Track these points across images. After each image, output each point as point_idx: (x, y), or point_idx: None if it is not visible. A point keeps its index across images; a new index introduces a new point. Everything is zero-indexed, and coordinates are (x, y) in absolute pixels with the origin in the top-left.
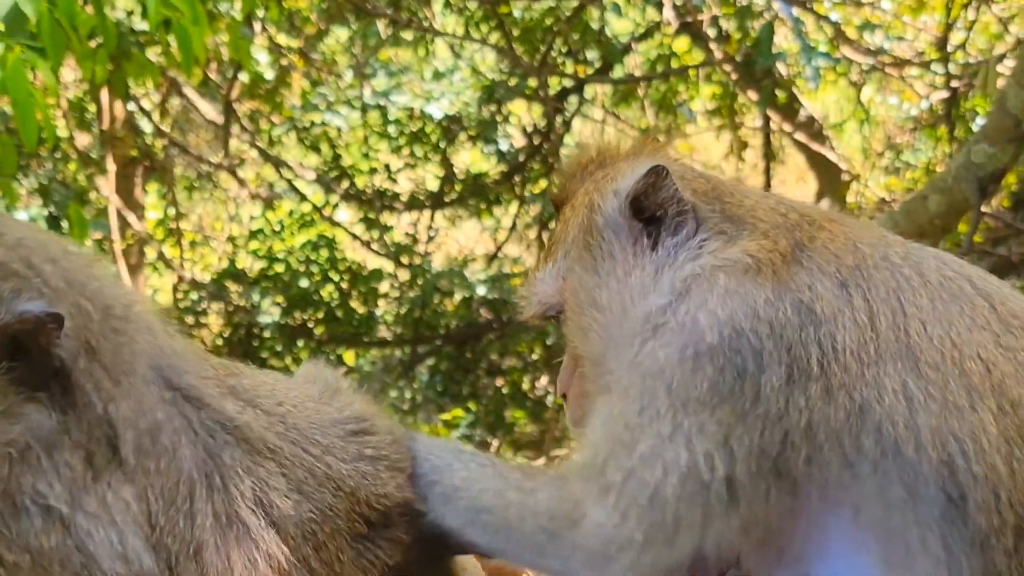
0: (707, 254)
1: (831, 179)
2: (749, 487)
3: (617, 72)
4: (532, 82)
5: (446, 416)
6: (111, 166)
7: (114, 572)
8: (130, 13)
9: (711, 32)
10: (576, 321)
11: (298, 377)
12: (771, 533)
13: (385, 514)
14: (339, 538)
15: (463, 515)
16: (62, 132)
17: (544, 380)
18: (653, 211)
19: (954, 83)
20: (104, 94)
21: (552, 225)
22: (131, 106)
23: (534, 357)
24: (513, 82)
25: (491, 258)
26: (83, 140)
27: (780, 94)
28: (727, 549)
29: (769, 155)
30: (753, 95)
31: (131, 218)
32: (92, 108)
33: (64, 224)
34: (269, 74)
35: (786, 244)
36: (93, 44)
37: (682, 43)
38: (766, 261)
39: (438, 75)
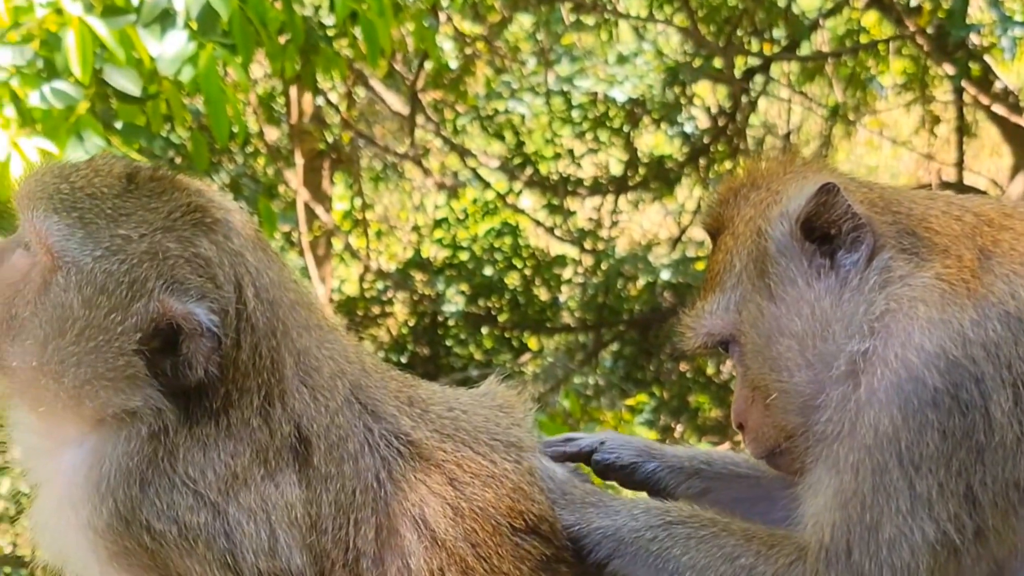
0: (897, 280)
1: None
2: (1001, 526)
3: (804, 49)
4: (717, 62)
5: (630, 402)
6: (299, 159)
7: (256, 564)
8: (317, 8)
9: (901, 5)
10: (764, 352)
11: (478, 391)
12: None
13: (539, 516)
14: (499, 534)
15: None
16: (251, 127)
17: (729, 364)
18: (825, 230)
19: None
20: (292, 89)
21: (710, 254)
22: (318, 99)
23: None
24: (697, 63)
25: (675, 242)
26: (272, 134)
27: (973, 66)
28: None
29: (962, 129)
30: (946, 68)
31: (318, 210)
32: (281, 102)
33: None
34: (453, 63)
35: (971, 256)
36: (282, 40)
37: (871, 17)
38: (958, 280)
39: (622, 59)
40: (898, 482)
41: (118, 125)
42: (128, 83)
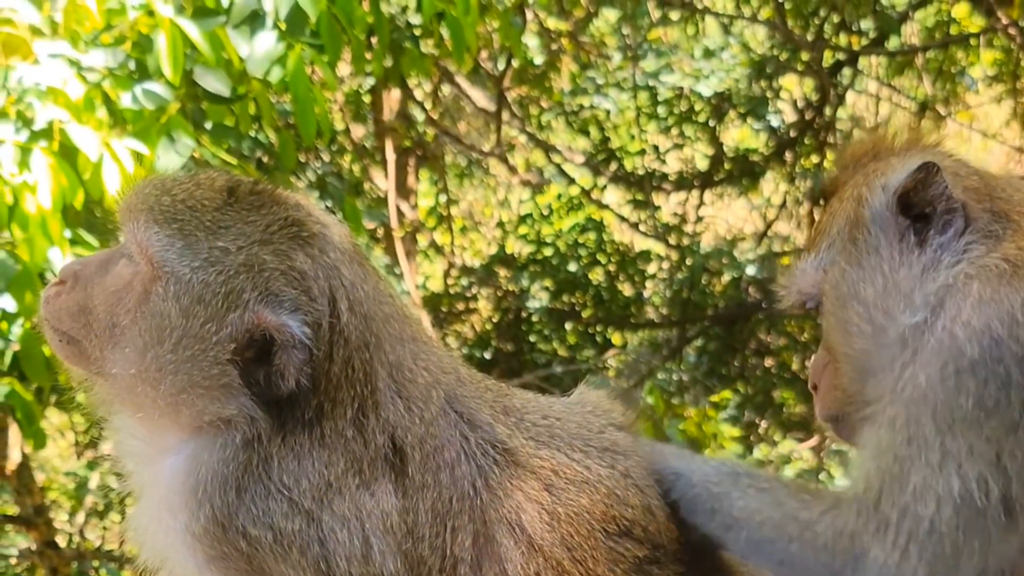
0: (965, 260)
1: None
2: None
3: (893, 42)
4: (804, 56)
5: (715, 398)
6: (390, 156)
7: (349, 570)
8: (404, 8)
9: None
10: (836, 315)
11: (571, 397)
12: None
13: (632, 520)
14: (594, 537)
15: (745, 547)
16: (337, 125)
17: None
18: (922, 208)
19: None
20: (379, 86)
21: (817, 214)
22: (404, 97)
23: (804, 337)
24: (784, 57)
25: (760, 237)
26: (358, 132)
27: None
28: (1010, 569)
29: None
30: None
31: (404, 206)
32: (367, 100)
33: (339, 216)
34: (539, 59)
35: None
36: (371, 40)
37: (962, 9)
38: (1022, 262)
39: (708, 53)
40: (930, 436)
41: (207, 126)
42: (218, 84)
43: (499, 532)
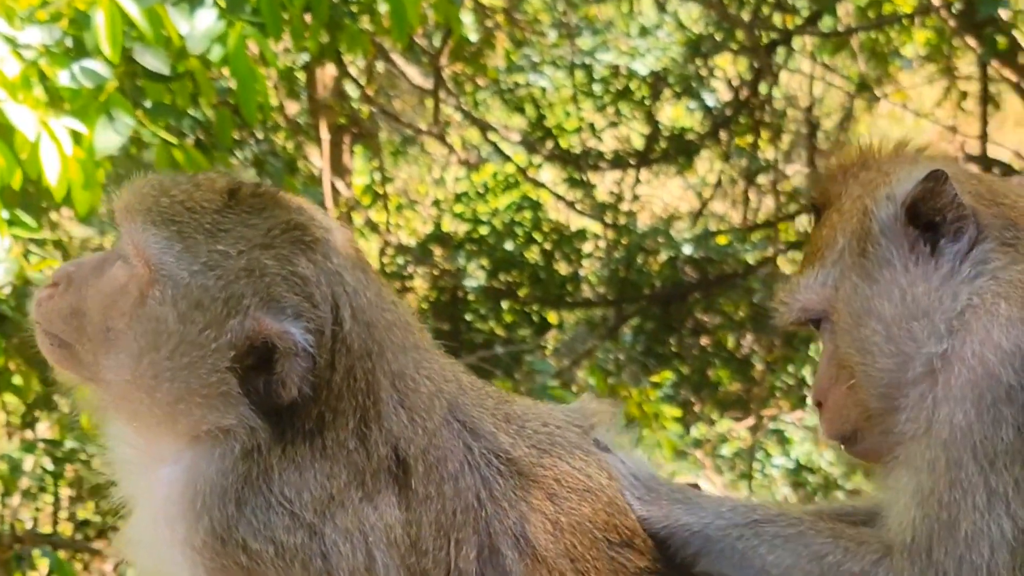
0: (988, 273)
1: None
2: None
3: (827, 22)
4: (738, 35)
5: (655, 378)
6: (325, 135)
7: None
8: None
9: None
10: (852, 332)
11: (572, 405)
12: None
13: (632, 530)
14: (596, 548)
15: None
16: (272, 101)
17: (749, 339)
18: (931, 217)
19: None
20: (314, 63)
21: (813, 229)
22: (339, 74)
23: (740, 315)
24: (719, 36)
25: (696, 216)
26: (292, 108)
27: (1000, 39)
28: None
29: (986, 101)
30: (971, 41)
31: (339, 185)
32: (301, 77)
33: None
34: (474, 36)
35: None
36: (307, 18)
37: None
38: None
39: (643, 31)
40: (974, 477)
41: (146, 104)
42: (157, 62)
43: (504, 544)
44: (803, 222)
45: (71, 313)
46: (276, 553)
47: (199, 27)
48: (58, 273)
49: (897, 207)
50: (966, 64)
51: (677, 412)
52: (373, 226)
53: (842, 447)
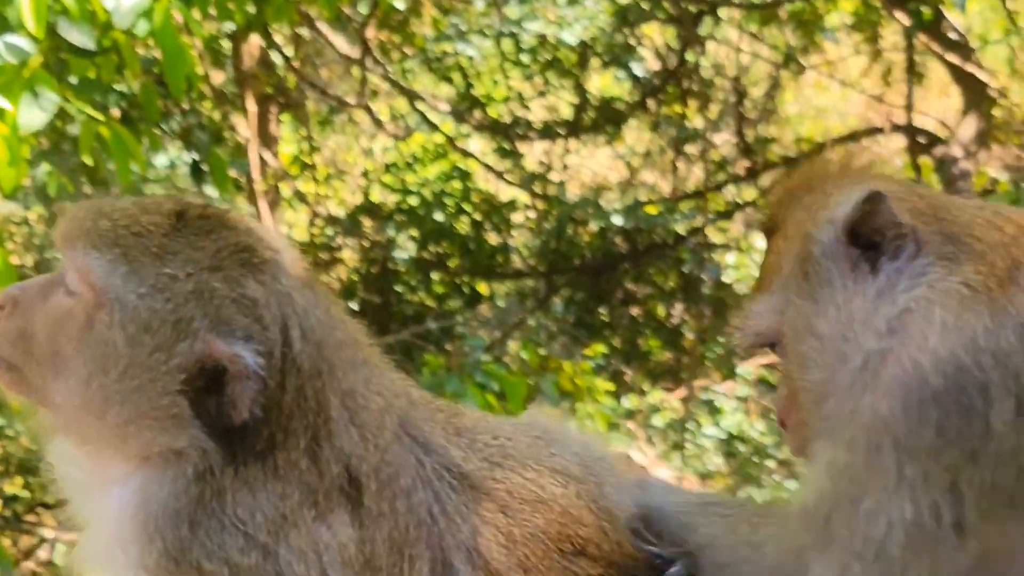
0: (924, 285)
1: (976, 94)
2: (981, 526)
3: None
4: (666, 4)
5: (587, 351)
6: (251, 106)
7: None
8: None
9: None
10: (795, 350)
11: (521, 419)
12: (1013, 560)
13: (586, 539)
14: (549, 558)
15: (708, 571)
16: (197, 71)
17: (679, 308)
18: (871, 237)
19: None
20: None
21: (764, 254)
22: (265, 43)
23: (670, 285)
24: (646, 5)
25: (625, 185)
26: (217, 78)
27: (925, 10)
28: None
29: (912, 71)
30: (897, 13)
31: (266, 155)
32: (226, 46)
33: (205, 167)
34: (400, 4)
35: (1003, 265)
36: None
37: None
38: (982, 287)
39: (571, 0)
40: (889, 462)
41: (72, 80)
42: (83, 37)
43: (457, 559)
44: (732, 192)
45: (18, 337)
46: (230, 574)
47: (125, 2)
48: (3, 296)
49: (837, 229)
50: (891, 33)
51: (610, 386)
52: (301, 197)
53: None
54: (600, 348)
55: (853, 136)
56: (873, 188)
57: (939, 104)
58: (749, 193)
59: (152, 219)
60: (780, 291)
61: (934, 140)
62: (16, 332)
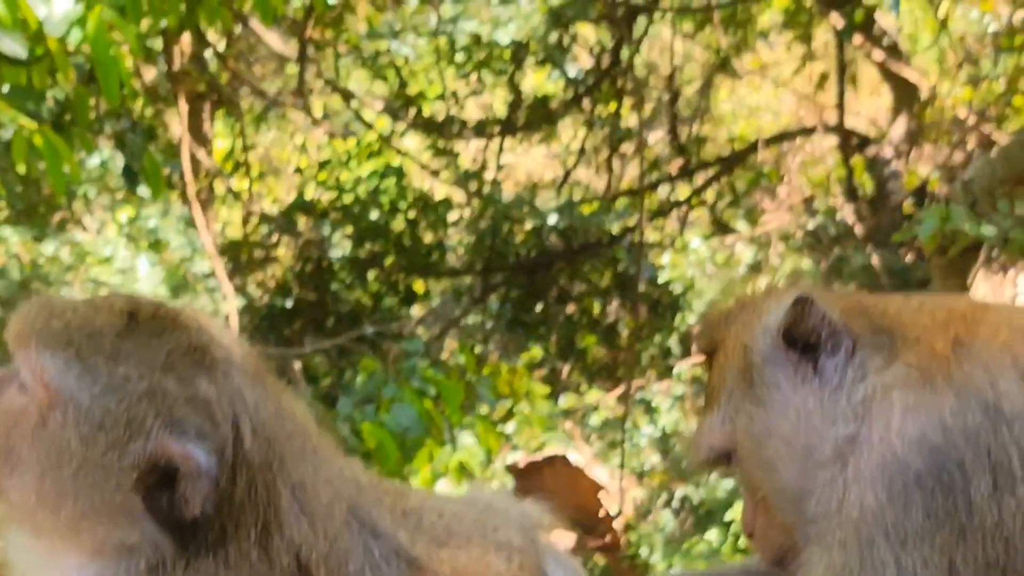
0: (872, 373)
1: (906, 93)
2: None
3: None
4: (599, 3)
5: (525, 355)
6: (183, 105)
7: None
8: None
9: None
10: (756, 458)
11: (464, 495)
12: None
13: None
14: None
15: None
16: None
17: (615, 305)
18: (806, 338)
19: None
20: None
21: (708, 375)
22: (197, 40)
23: (604, 284)
24: (580, 4)
25: (560, 184)
26: (149, 74)
27: (857, 12)
28: None
29: (843, 70)
30: (830, 14)
31: (200, 153)
32: (158, 44)
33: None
34: (333, 1)
35: (943, 345)
36: None
37: None
38: (930, 367)
39: (505, 0)
40: (885, 555)
41: (4, 89)
42: (15, 46)
43: None
44: (666, 190)
45: None
46: None
47: (57, 10)
48: None
49: (773, 335)
50: (823, 32)
51: (546, 389)
52: (235, 195)
53: (780, 568)
54: (537, 352)
55: (785, 136)
56: (800, 293)
57: (870, 104)
58: (683, 192)
59: (104, 319)
60: (727, 404)
61: (866, 140)
62: None
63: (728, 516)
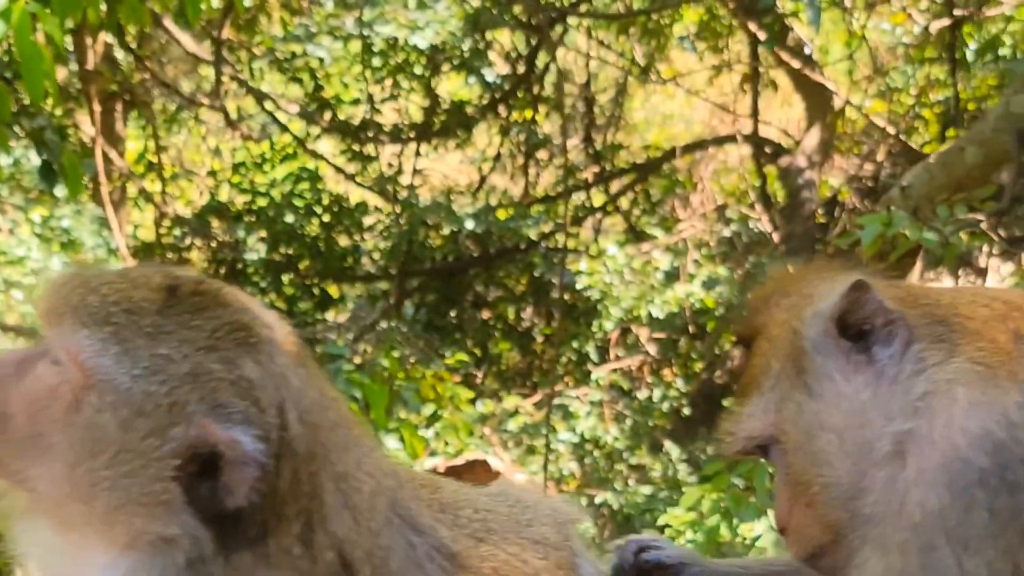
0: (932, 366)
1: (819, 104)
2: None
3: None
4: (516, 9)
5: (449, 360)
6: (96, 106)
7: None
8: None
9: None
10: (804, 450)
11: (492, 489)
12: None
13: None
14: None
15: None
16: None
17: (529, 311)
18: (859, 326)
19: (956, 11)
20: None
21: (746, 361)
22: (109, 39)
23: (520, 289)
24: (496, 10)
25: (476, 189)
26: (60, 73)
27: (771, 22)
28: None
29: (757, 80)
30: (745, 23)
31: (112, 154)
32: (69, 42)
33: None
34: (248, 2)
35: (1005, 338)
36: None
37: None
38: (995, 362)
39: (422, 4)
40: (948, 560)
41: None
42: None
43: None
44: (581, 197)
45: None
46: None
47: None
48: None
49: (826, 322)
50: (736, 42)
51: (470, 394)
52: (147, 196)
53: (811, 566)
54: (461, 356)
55: (701, 144)
56: (856, 278)
57: (782, 114)
58: (599, 199)
59: (143, 294)
60: (771, 391)
61: (779, 150)
62: None
63: (647, 520)
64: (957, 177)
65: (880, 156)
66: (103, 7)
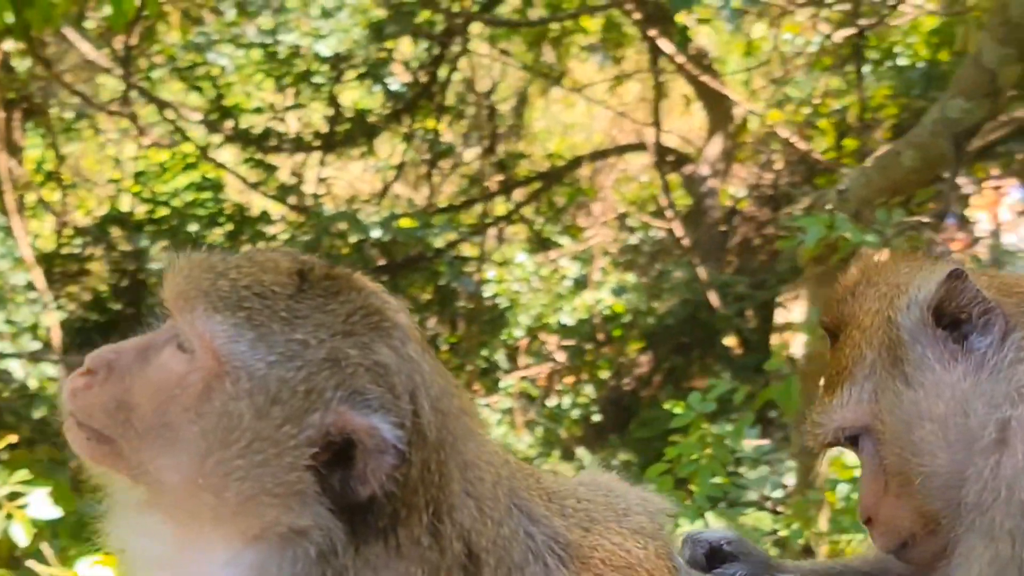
0: None
1: (720, 114)
2: None
3: (504, 8)
4: (418, 19)
5: None
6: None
7: None
8: None
9: None
10: (903, 440)
11: (583, 477)
12: None
13: None
14: None
15: None
16: None
17: (433, 322)
18: (956, 315)
19: (861, 20)
20: None
21: (833, 352)
22: (6, 45)
23: (426, 298)
24: (399, 20)
25: (380, 198)
26: None
27: (676, 32)
28: None
29: (658, 88)
30: (647, 32)
31: (11, 163)
32: None
33: None
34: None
35: None
36: None
37: None
38: None
39: (325, 13)
40: None
41: None
42: None
43: None
44: (480, 207)
45: (116, 406)
46: None
47: None
48: (95, 360)
49: (923, 311)
50: (636, 51)
51: None
52: (46, 205)
53: (898, 557)
54: None
55: (604, 153)
56: (954, 267)
57: (682, 121)
58: (502, 208)
59: (273, 279)
60: (866, 380)
61: (681, 158)
62: (113, 401)
63: None
64: (895, 180)
65: (778, 165)
66: (8, 15)
